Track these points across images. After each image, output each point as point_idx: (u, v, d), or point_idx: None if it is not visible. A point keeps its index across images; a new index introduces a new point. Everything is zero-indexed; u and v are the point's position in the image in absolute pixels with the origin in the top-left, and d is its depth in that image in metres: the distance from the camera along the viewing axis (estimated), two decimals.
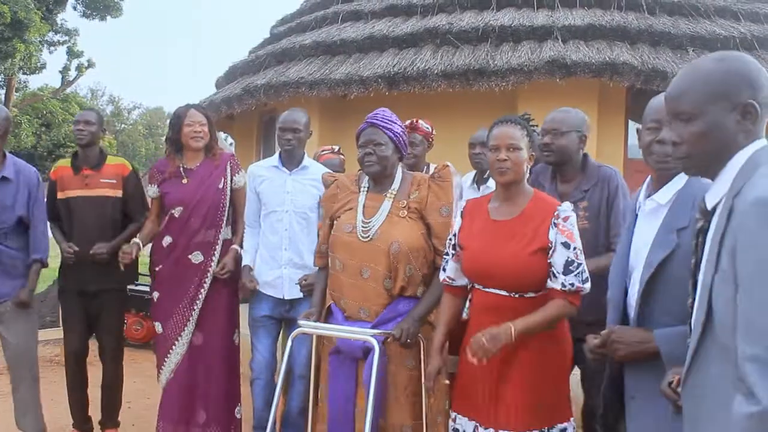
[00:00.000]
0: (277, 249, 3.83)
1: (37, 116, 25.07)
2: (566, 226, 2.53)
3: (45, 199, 4.13)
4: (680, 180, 2.19)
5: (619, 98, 6.72)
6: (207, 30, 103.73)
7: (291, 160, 3.89)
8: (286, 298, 3.82)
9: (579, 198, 3.10)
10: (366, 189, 3.11)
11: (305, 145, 3.95)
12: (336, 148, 4.75)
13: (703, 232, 1.65)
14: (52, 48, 22.96)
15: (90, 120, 4.14)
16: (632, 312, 2.25)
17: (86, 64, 23.80)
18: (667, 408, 1.86)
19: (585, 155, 3.23)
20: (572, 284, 2.49)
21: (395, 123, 3.04)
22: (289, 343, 3.08)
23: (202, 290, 3.89)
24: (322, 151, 4.71)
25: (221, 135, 10.80)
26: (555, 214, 2.54)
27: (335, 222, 3.12)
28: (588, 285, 2.50)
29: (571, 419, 2.66)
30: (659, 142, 2.21)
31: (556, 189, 3.21)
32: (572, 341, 2.68)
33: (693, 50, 6.42)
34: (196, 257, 3.90)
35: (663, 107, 2.19)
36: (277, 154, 3.98)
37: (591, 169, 3.18)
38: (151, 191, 4.04)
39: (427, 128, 4.15)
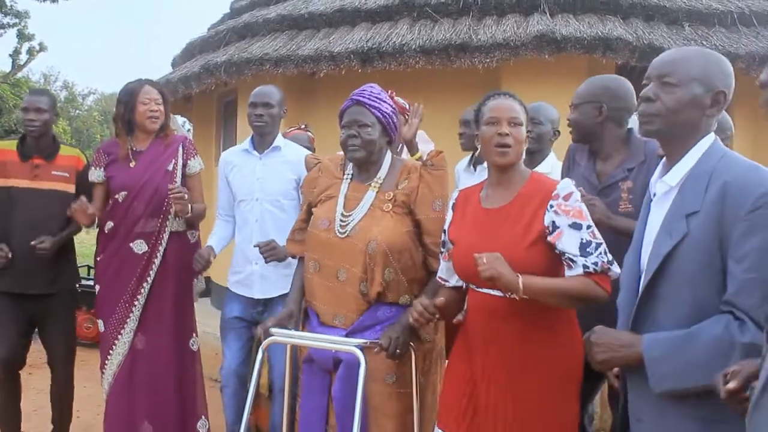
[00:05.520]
0: (247, 242, 3.41)
1: None
2: (570, 204, 2.16)
3: None
4: (692, 157, 1.76)
5: None
6: (167, 9, 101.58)
7: (262, 142, 3.50)
8: (256, 297, 3.41)
9: (621, 177, 2.70)
10: (350, 177, 2.70)
11: (279, 124, 3.54)
12: (303, 125, 4.39)
13: None
14: (1, 31, 22.18)
15: (41, 107, 3.61)
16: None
17: (38, 47, 23.17)
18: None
19: (629, 130, 2.82)
20: (596, 263, 2.11)
21: (384, 101, 2.62)
22: (259, 354, 2.61)
23: (144, 284, 3.47)
24: (289, 129, 4.33)
25: (178, 120, 10.28)
26: (553, 194, 2.17)
27: (312, 211, 2.72)
28: (616, 268, 2.12)
29: None
30: (641, 99, 1.88)
31: (594, 168, 2.82)
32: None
33: (689, 25, 6.01)
34: (139, 246, 3.46)
35: (657, 65, 1.88)
36: (249, 137, 3.59)
37: (636, 144, 2.76)
38: (95, 175, 3.57)
39: (404, 104, 3.79)
